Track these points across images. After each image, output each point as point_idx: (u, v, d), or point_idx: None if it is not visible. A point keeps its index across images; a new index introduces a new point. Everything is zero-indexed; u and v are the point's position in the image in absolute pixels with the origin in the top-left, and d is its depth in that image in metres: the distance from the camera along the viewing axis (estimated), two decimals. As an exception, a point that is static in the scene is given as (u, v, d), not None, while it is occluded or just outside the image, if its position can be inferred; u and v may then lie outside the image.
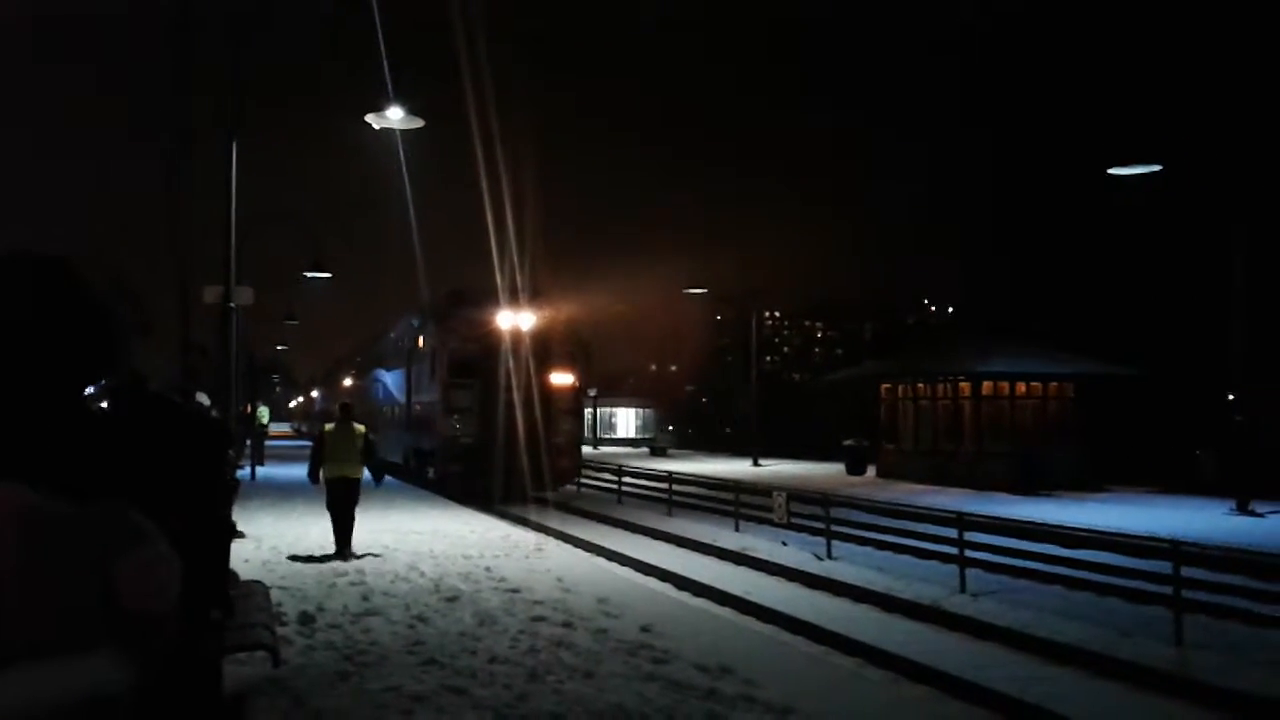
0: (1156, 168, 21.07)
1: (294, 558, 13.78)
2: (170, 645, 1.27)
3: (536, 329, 26.55)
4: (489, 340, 26.22)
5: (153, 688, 1.24)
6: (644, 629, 9.44)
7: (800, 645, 10.43)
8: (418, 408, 29.49)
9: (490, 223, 26.85)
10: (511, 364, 25.63)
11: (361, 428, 14.77)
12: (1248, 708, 8.68)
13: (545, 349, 26.53)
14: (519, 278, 26.82)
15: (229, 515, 6.02)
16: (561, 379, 26.92)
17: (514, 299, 26.53)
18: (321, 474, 14.32)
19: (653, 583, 14.05)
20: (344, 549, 14.01)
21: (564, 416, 26.90)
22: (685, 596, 13.17)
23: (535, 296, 27.27)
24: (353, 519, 14.33)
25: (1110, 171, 21.62)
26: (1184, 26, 42.90)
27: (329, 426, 14.93)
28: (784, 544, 17.78)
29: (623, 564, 15.93)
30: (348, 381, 48.74)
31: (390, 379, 35.38)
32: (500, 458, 24.62)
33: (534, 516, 20.46)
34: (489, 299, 26.69)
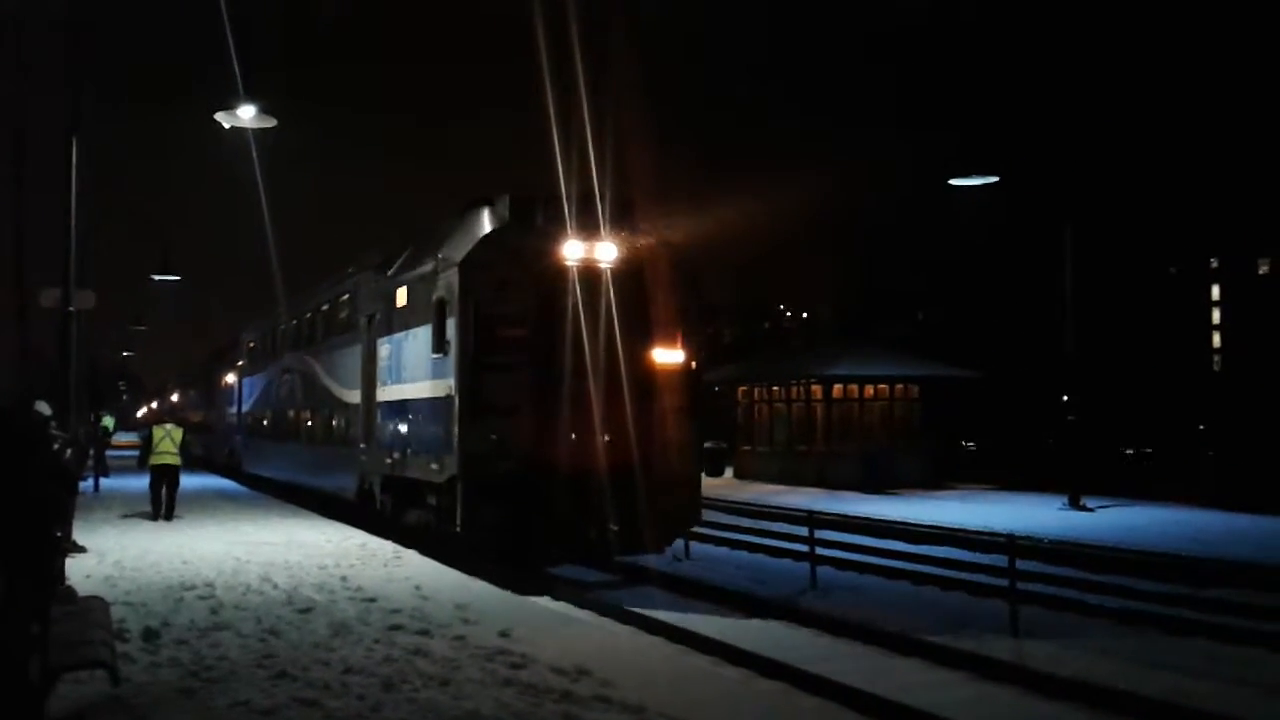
0: (994, 179, 22.11)
1: (139, 572, 13.30)
2: None
3: (628, 266, 15.08)
4: (548, 288, 14.65)
5: None
6: (502, 634, 9.46)
7: (658, 646, 10.55)
8: (393, 409, 17.22)
9: (548, 87, 16.09)
10: (585, 328, 14.72)
11: (180, 429, 20.39)
12: (1077, 693, 9.17)
13: (641, 303, 15.10)
14: (599, 178, 15.22)
15: (50, 527, 5.80)
16: (668, 356, 15.30)
17: (590, 214, 15.01)
18: (150, 461, 19.89)
19: (509, 590, 14.00)
20: (169, 515, 19.56)
21: (673, 419, 15.21)
22: (544, 601, 13.18)
23: (626, 211, 15.50)
24: (175, 494, 19.96)
25: (950, 182, 22.58)
26: (1021, 37, 44.98)
27: (155, 429, 20.34)
28: (642, 546, 17.94)
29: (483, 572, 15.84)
30: (230, 378, 36.26)
31: (325, 365, 22.50)
32: (569, 494, 14.21)
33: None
34: (544, 215, 15.05)
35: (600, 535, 14.49)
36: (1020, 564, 12.26)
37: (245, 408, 32.95)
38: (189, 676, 7.93)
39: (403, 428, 16.68)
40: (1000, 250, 42.96)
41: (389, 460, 17.16)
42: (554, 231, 14.83)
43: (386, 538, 16.66)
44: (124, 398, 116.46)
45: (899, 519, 20.40)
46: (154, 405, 71.11)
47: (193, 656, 8.58)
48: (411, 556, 14.83)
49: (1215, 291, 50.59)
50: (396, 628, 9.72)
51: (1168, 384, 42.56)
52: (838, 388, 31.40)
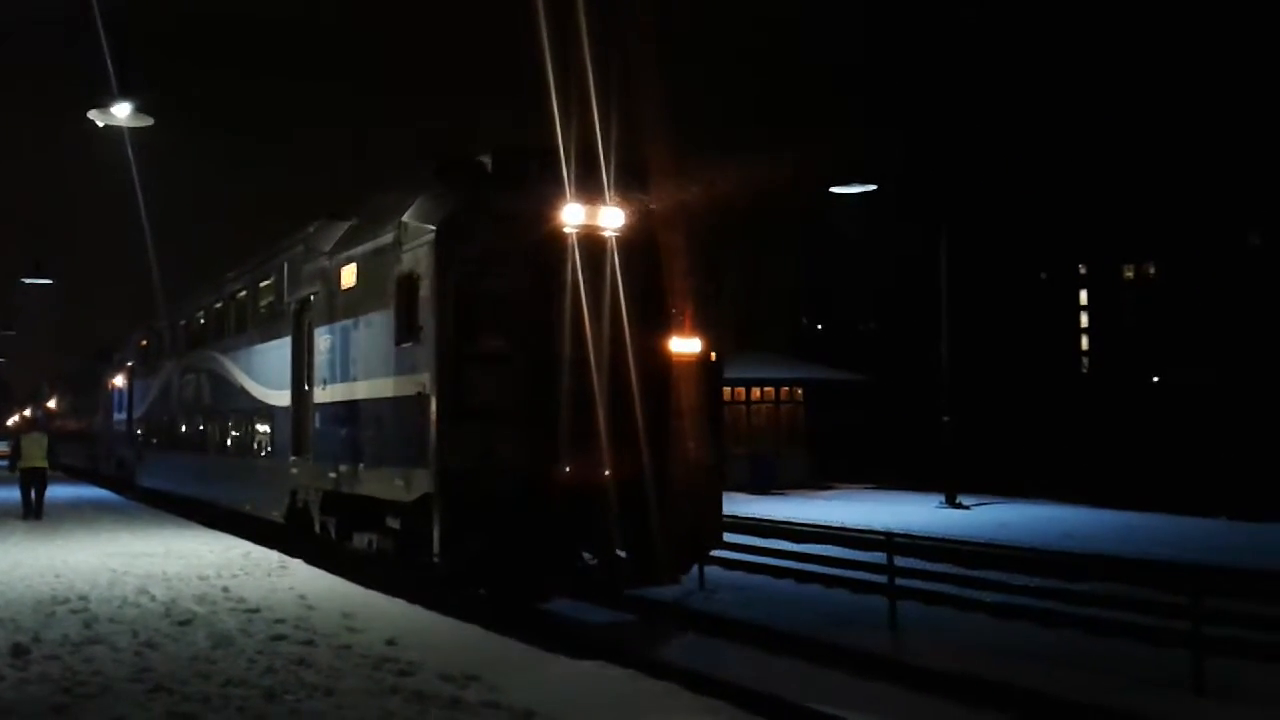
0: (872, 187, 22.76)
1: (8, 586, 12.80)
2: None
3: (638, 236, 12.50)
4: (543, 260, 12.08)
5: None
6: (389, 642, 9.37)
7: (547, 650, 10.58)
8: (338, 412, 14.44)
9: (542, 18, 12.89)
10: (587, 310, 12.18)
11: (44, 437, 22.91)
12: (951, 686, 9.50)
13: (654, 280, 12.63)
14: (602, 133, 12.47)
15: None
16: (685, 345, 12.89)
17: (592, 172, 12.34)
18: (19, 465, 22.18)
19: (400, 598, 13.86)
20: (38, 514, 21.51)
21: (691, 421, 12.79)
22: (435, 610, 13.06)
23: (635, 170, 13.01)
24: (43, 496, 22.08)
25: (831, 190, 23.17)
26: (897, 47, 46.18)
27: (23, 438, 22.69)
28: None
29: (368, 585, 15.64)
30: (118, 381, 32.92)
31: (242, 362, 19.40)
32: (571, 514, 11.75)
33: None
34: (537, 172, 12.45)
35: (606, 563, 12.20)
36: (899, 561, 12.63)
37: (139, 413, 29.94)
38: (61, 692, 7.69)
39: (352, 435, 13.82)
40: (882, 256, 44.03)
41: (332, 474, 14.34)
42: (549, 193, 12.14)
43: (271, 546, 16.33)
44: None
45: (784, 519, 20.79)
46: (25, 413, 68.14)
47: (64, 672, 8.32)
48: (298, 566, 14.58)
49: (1083, 296, 52.64)
50: (280, 638, 9.56)
51: (1039, 385, 44.18)
52: (725, 390, 31.85)
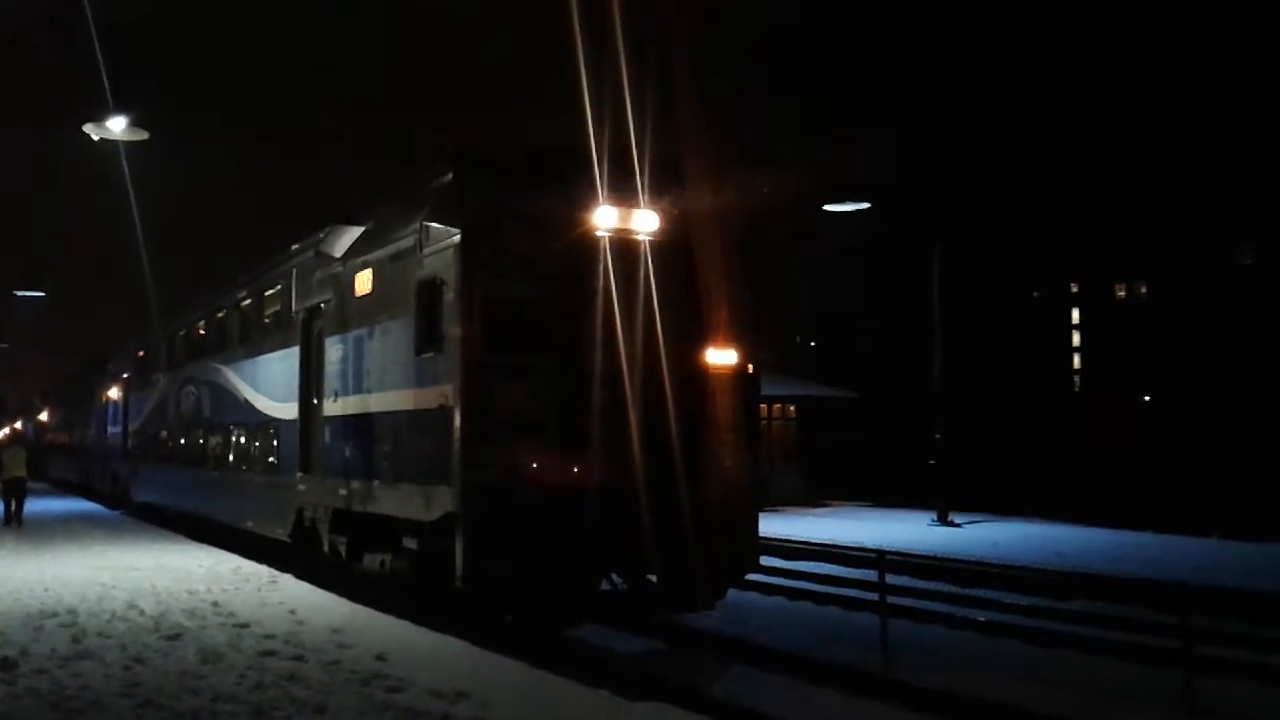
0: (865, 205, 22.88)
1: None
2: None
3: (673, 240, 11.94)
4: (574, 265, 11.49)
5: None
6: (379, 658, 9.35)
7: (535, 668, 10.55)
8: (350, 425, 13.68)
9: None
10: (620, 319, 11.55)
11: (23, 450, 25.18)
12: (941, 704, 9.50)
13: (689, 287, 12.03)
14: (635, 131, 11.61)
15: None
16: (721, 356, 12.10)
17: (625, 173, 11.68)
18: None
19: (390, 614, 13.82)
20: (18, 521, 22.86)
21: (729, 438, 12.00)
22: (425, 625, 13.03)
23: (670, 171, 12.16)
24: (22, 505, 23.58)
25: (826, 208, 23.27)
26: (887, 67, 46.39)
27: (5, 450, 24.77)
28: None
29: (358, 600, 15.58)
30: (113, 393, 32.15)
31: (245, 374, 18.61)
32: (602, 536, 11.00)
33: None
34: (568, 172, 11.68)
35: (637, 587, 11.74)
36: (891, 578, 12.62)
37: (134, 426, 29.11)
38: (49, 708, 7.66)
39: (366, 449, 13.07)
40: (875, 274, 44.17)
41: (343, 491, 13.60)
42: (580, 194, 11.49)
43: (261, 561, 16.28)
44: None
45: (776, 536, 20.77)
46: (17, 425, 67.97)
47: (52, 686, 8.29)
48: (287, 580, 14.54)
49: (1075, 315, 52.83)
50: (269, 653, 9.53)
51: (1031, 403, 44.30)
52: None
